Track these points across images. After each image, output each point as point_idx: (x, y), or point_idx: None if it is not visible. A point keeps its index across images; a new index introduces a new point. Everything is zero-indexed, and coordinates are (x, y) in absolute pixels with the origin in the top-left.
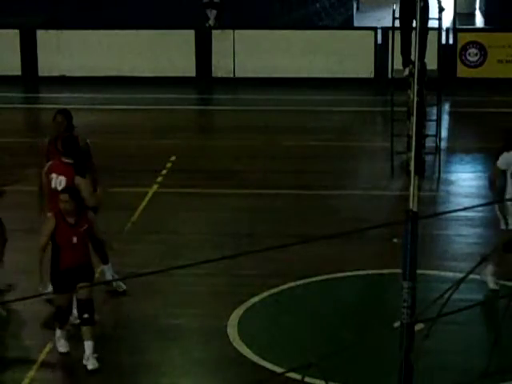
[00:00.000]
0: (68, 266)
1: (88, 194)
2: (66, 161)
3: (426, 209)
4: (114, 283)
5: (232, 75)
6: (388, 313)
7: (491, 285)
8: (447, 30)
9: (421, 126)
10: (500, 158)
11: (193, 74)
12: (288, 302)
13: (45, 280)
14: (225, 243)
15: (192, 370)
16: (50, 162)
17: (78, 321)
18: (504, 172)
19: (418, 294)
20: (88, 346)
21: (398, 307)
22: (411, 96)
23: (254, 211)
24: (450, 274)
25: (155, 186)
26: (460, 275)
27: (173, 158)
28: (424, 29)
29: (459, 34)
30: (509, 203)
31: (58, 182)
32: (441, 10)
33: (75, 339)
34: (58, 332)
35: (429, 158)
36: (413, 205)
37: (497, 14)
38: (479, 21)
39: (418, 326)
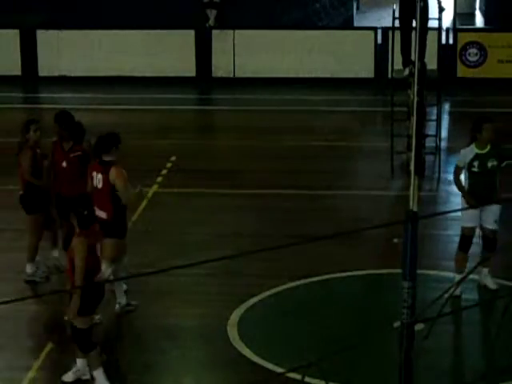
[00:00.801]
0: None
1: (123, 189)
2: (105, 159)
3: (426, 209)
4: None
5: (232, 75)
6: (388, 313)
7: (491, 285)
8: (447, 29)
9: (421, 125)
10: (460, 155)
11: (193, 74)
12: (288, 302)
13: None
14: (225, 243)
15: (192, 369)
16: (93, 162)
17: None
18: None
19: (417, 294)
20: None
21: (398, 307)
22: (411, 96)
23: (254, 211)
24: (450, 274)
25: (155, 186)
26: (460, 275)
27: (173, 158)
28: (423, 28)
29: (459, 34)
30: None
31: (98, 180)
32: (441, 10)
33: None
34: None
35: (429, 158)
36: (413, 205)
37: (497, 14)
38: (479, 21)
39: (418, 326)
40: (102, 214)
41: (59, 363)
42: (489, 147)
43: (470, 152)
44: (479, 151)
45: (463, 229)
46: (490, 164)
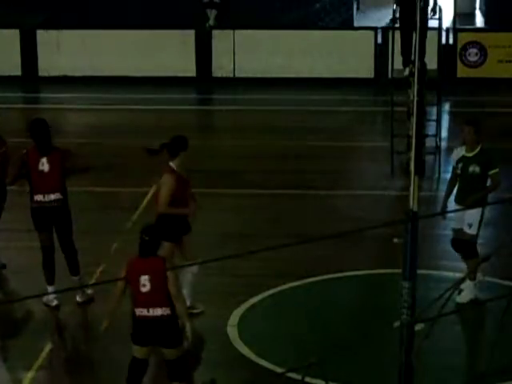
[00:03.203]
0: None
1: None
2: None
3: (426, 209)
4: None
5: (232, 75)
6: (388, 313)
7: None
8: (447, 29)
9: (421, 125)
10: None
11: (193, 74)
12: (288, 302)
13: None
14: (225, 243)
15: (192, 369)
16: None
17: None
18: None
19: (417, 294)
20: None
21: (398, 307)
22: (411, 96)
23: (254, 211)
24: (450, 274)
25: (155, 186)
26: (460, 275)
27: None
28: (423, 28)
29: (459, 34)
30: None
31: None
32: (435, 11)
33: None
34: None
35: (429, 158)
36: (413, 205)
37: (497, 13)
38: (479, 21)
39: (418, 326)
40: None
41: (59, 363)
42: (476, 151)
43: (459, 152)
44: (465, 153)
45: None
46: (471, 169)
